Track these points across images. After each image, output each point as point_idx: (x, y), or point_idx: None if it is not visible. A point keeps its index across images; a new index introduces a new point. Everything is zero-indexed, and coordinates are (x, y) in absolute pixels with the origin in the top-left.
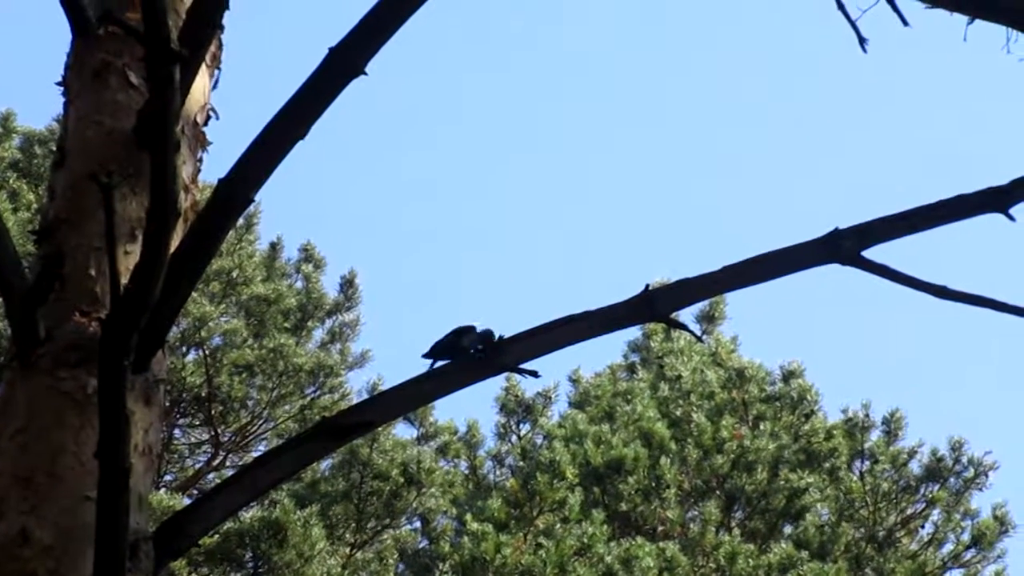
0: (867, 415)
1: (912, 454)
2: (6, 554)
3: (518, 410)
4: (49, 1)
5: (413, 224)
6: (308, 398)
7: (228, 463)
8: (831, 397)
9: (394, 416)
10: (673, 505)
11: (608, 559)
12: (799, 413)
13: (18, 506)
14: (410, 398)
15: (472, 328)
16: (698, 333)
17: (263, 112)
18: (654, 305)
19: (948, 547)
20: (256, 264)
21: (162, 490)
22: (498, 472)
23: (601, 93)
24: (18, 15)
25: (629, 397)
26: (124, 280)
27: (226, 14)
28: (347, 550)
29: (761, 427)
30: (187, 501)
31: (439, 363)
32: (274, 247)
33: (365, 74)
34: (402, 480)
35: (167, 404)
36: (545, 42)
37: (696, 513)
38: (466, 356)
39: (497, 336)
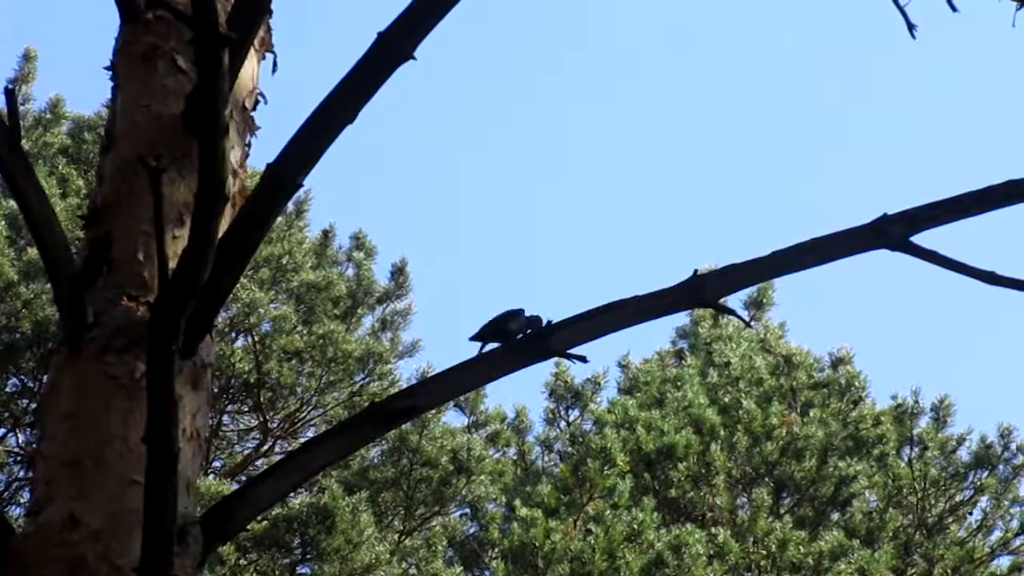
0: (916, 401)
1: (961, 441)
2: (55, 539)
3: (567, 396)
4: None
5: (465, 213)
6: (357, 385)
7: (277, 449)
8: (879, 384)
9: (442, 401)
10: (722, 492)
11: (658, 545)
12: (847, 400)
13: (66, 490)
14: (458, 382)
15: (520, 312)
16: (746, 319)
17: (312, 97)
18: (702, 291)
19: (997, 534)
20: (306, 251)
21: (211, 476)
22: (546, 458)
23: (652, 81)
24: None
25: (678, 383)
26: (172, 264)
27: None
28: (396, 537)
29: (810, 414)
30: (235, 487)
31: (487, 347)
32: (326, 235)
33: (414, 59)
34: (451, 467)
35: (216, 390)
36: (595, 34)
37: (745, 500)
38: (513, 339)
39: (545, 321)
